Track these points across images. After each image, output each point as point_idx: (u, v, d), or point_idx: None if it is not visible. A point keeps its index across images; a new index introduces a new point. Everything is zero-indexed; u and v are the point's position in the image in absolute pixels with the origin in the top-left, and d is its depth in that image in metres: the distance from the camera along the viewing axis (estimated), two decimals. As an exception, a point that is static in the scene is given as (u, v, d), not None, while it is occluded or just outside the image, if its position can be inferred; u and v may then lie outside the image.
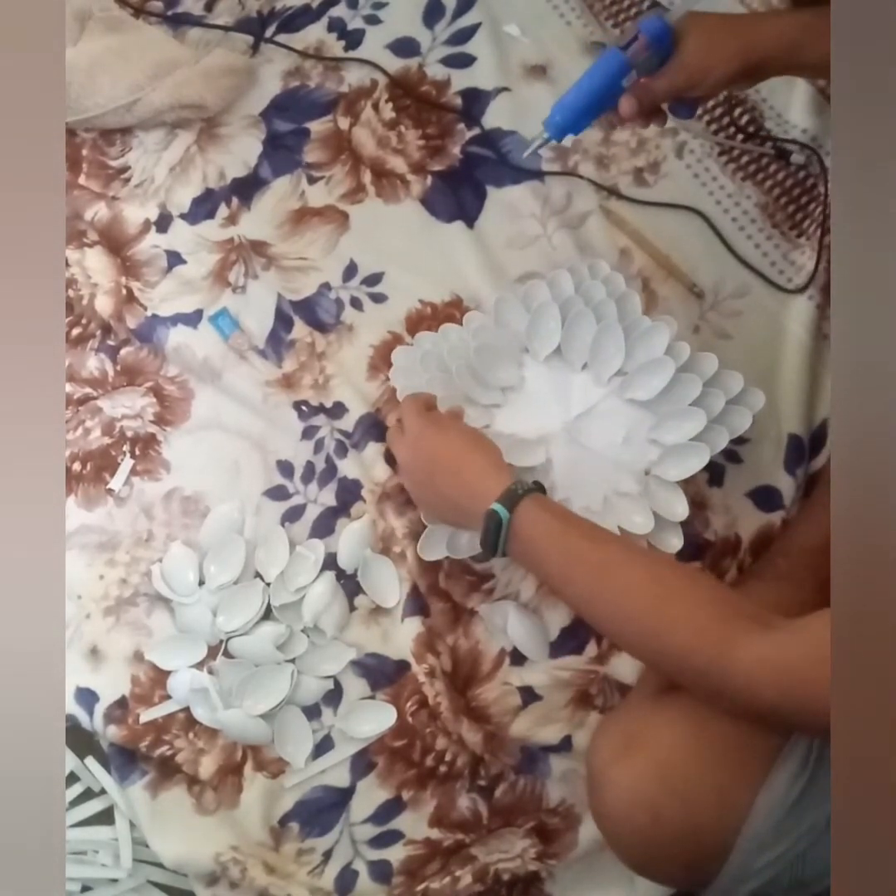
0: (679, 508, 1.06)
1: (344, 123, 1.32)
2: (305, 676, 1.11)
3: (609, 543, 0.91)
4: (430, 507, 1.09)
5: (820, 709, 0.70)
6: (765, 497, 1.16)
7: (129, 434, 1.21)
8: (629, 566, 0.88)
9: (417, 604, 1.13)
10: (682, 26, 0.92)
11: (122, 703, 1.12)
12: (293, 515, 1.17)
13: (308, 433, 1.20)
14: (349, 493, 1.18)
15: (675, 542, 1.07)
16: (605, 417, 1.12)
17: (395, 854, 1.09)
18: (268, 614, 1.13)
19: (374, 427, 1.19)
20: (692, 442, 1.07)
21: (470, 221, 1.27)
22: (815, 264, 1.23)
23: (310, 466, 1.19)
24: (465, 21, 1.36)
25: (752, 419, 1.09)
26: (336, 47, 1.36)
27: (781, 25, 0.95)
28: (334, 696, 1.12)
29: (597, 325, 1.12)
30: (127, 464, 1.20)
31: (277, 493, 1.18)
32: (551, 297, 1.14)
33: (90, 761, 1.13)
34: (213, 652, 1.12)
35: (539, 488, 0.96)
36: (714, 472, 1.16)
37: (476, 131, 1.31)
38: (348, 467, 1.19)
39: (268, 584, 1.13)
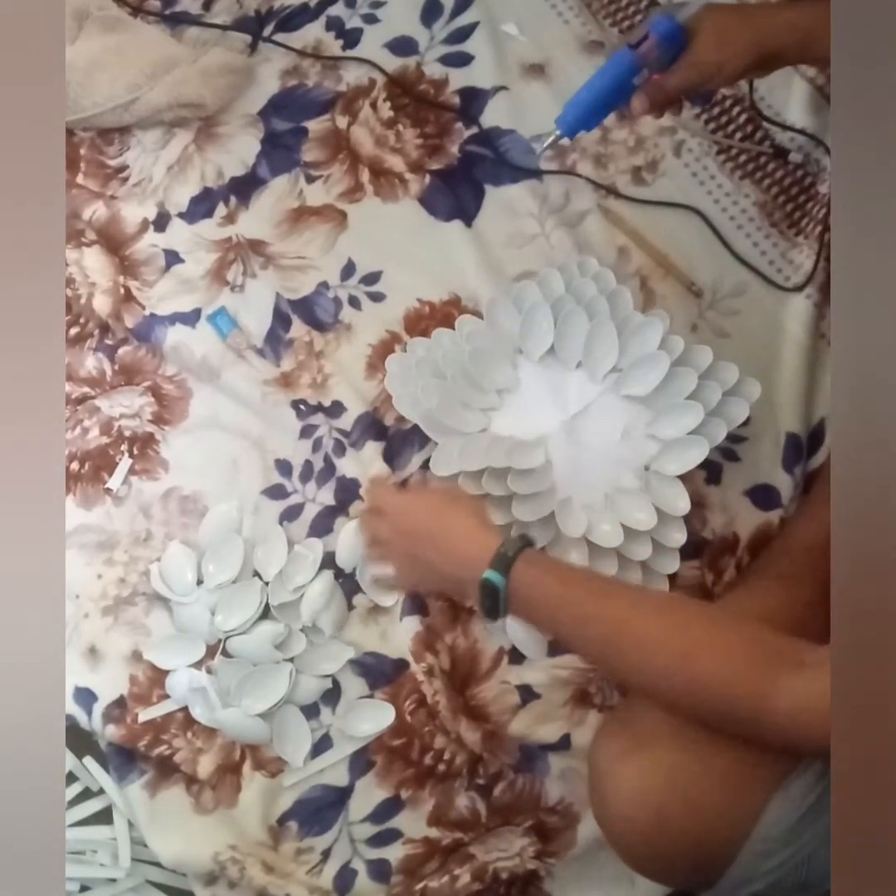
0: (680, 503, 1.06)
1: (342, 122, 1.32)
2: (304, 675, 1.11)
3: (617, 597, 0.88)
4: (423, 581, 1.06)
5: None
6: (763, 496, 1.16)
7: (128, 433, 1.21)
8: (644, 618, 0.85)
9: (416, 603, 1.13)
10: (693, 22, 0.92)
11: (120, 703, 1.12)
12: (291, 514, 1.17)
13: (306, 432, 1.20)
14: (347, 492, 1.18)
15: (678, 537, 1.07)
16: (603, 415, 1.12)
17: (394, 853, 1.09)
18: (266, 613, 1.13)
19: (372, 426, 1.19)
20: (691, 435, 1.07)
21: (468, 220, 1.27)
22: (814, 263, 1.23)
23: (308, 465, 1.19)
24: (464, 20, 1.36)
25: (749, 409, 1.09)
26: (334, 46, 1.36)
27: (795, 16, 0.94)
28: (333, 695, 1.12)
29: (589, 322, 1.12)
30: (125, 463, 1.20)
31: (276, 492, 1.18)
32: (543, 296, 1.14)
33: (89, 761, 1.13)
34: (211, 651, 1.12)
35: (528, 543, 0.93)
36: (712, 471, 1.16)
37: (474, 130, 1.31)
38: (347, 466, 1.19)
39: (266, 584, 1.13)
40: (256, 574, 1.14)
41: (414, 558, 1.00)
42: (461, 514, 0.97)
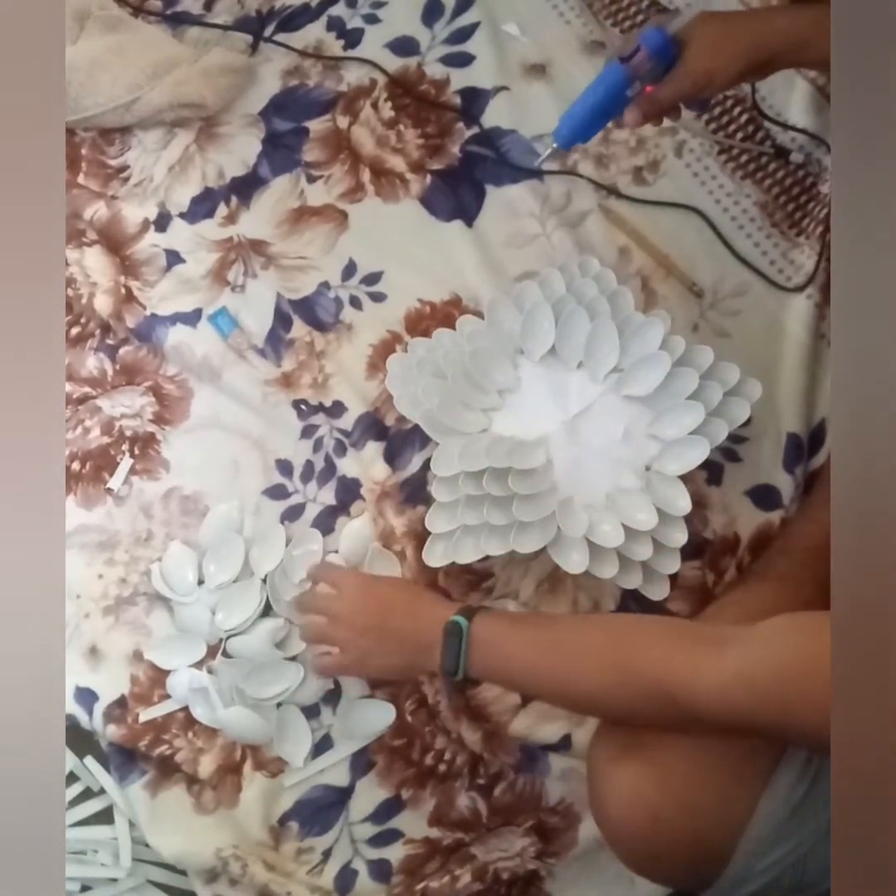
0: (681, 503, 1.06)
1: (343, 122, 1.32)
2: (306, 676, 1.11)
3: (560, 621, 0.95)
4: (382, 654, 1.02)
5: (794, 713, 0.73)
6: (764, 496, 1.16)
7: (129, 433, 1.21)
8: (582, 633, 0.91)
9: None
10: (684, 32, 0.92)
11: (121, 703, 1.12)
12: (292, 514, 1.17)
13: (307, 432, 1.20)
14: (348, 492, 1.18)
15: (680, 537, 1.07)
16: (604, 415, 1.12)
17: (395, 853, 1.09)
18: (267, 612, 1.13)
19: (373, 426, 1.19)
20: (692, 435, 1.07)
21: (469, 220, 1.27)
22: (815, 263, 1.23)
23: (309, 465, 1.19)
24: (465, 20, 1.36)
25: (750, 409, 1.09)
26: (335, 46, 1.36)
27: (789, 22, 0.94)
28: (333, 695, 1.12)
29: (590, 322, 1.12)
30: (126, 463, 1.20)
31: (277, 492, 1.18)
32: (543, 296, 1.14)
33: (89, 761, 1.13)
34: (212, 651, 1.12)
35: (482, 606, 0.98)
36: (713, 471, 1.16)
37: (475, 130, 1.31)
38: (347, 466, 1.19)
39: (264, 581, 1.13)
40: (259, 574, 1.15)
41: (380, 625, 1.00)
42: (421, 588, 1.07)
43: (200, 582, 1.15)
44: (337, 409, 1.21)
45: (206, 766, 1.11)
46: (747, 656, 0.77)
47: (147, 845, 1.10)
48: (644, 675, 0.82)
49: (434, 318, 1.23)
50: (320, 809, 1.10)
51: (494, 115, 1.31)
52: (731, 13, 0.96)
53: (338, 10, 1.38)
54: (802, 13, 0.94)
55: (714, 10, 0.94)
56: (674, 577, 1.09)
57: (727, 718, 0.78)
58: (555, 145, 1.00)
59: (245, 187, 1.30)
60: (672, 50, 0.92)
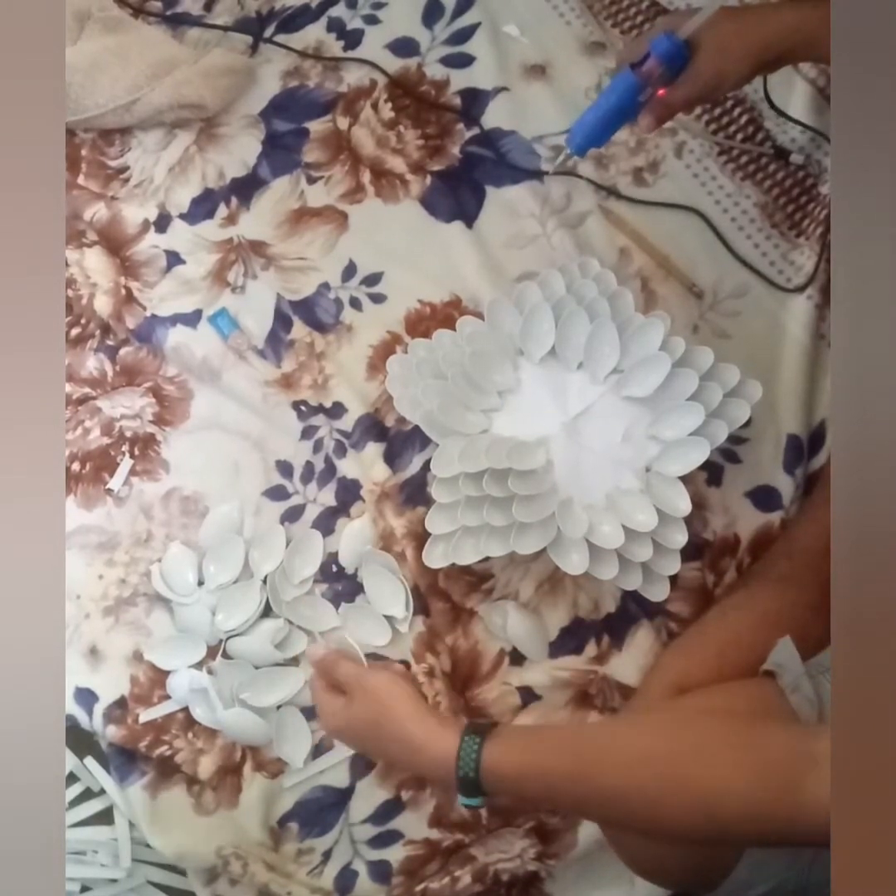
0: (682, 504, 1.06)
1: (343, 123, 1.32)
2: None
3: (594, 761, 0.80)
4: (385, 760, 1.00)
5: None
6: (764, 497, 1.16)
7: (129, 434, 1.21)
8: (626, 768, 0.79)
9: (417, 604, 1.13)
10: (694, 34, 0.92)
11: (121, 703, 1.12)
12: (292, 515, 1.17)
13: (307, 433, 1.20)
14: (348, 493, 1.18)
15: (679, 538, 1.07)
16: (604, 416, 1.12)
17: (395, 854, 1.09)
18: (266, 614, 1.13)
19: (373, 427, 1.19)
20: (691, 436, 1.07)
21: (469, 221, 1.27)
22: (815, 264, 1.23)
23: (309, 466, 1.19)
24: (465, 21, 1.35)
25: (750, 410, 1.09)
26: (335, 47, 1.36)
27: (796, 17, 0.93)
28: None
29: (590, 323, 1.11)
30: (126, 464, 1.20)
31: (277, 493, 1.18)
32: (543, 297, 1.14)
33: (89, 761, 1.13)
34: (212, 652, 1.12)
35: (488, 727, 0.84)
36: (713, 472, 1.16)
37: (475, 131, 1.31)
38: (347, 467, 1.19)
39: (264, 582, 1.13)
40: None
41: (376, 752, 0.97)
42: (423, 702, 0.90)
43: (200, 583, 1.15)
44: (337, 410, 1.21)
45: (206, 766, 1.11)
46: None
47: (147, 846, 1.10)
48: (729, 819, 0.74)
49: (434, 319, 1.23)
50: (320, 810, 1.10)
51: (494, 116, 1.31)
52: (739, 10, 0.95)
53: (338, 11, 1.38)
54: (810, 7, 0.93)
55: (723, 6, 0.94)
56: (674, 579, 1.09)
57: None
58: (568, 152, 1.01)
59: (245, 188, 1.30)
60: (682, 54, 0.92)
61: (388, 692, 0.87)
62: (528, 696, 1.11)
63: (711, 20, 0.91)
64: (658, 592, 1.08)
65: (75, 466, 1.20)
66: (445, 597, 1.13)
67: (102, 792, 1.13)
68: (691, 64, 0.93)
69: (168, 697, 1.12)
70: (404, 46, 1.35)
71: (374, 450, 1.18)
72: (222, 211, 1.29)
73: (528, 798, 0.86)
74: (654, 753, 0.77)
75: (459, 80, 1.33)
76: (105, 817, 1.13)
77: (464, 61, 1.34)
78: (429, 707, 0.86)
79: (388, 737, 0.85)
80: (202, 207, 1.29)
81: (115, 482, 1.19)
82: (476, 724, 0.82)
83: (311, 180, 1.30)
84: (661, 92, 0.94)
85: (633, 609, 1.12)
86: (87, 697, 1.12)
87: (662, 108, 0.95)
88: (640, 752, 0.78)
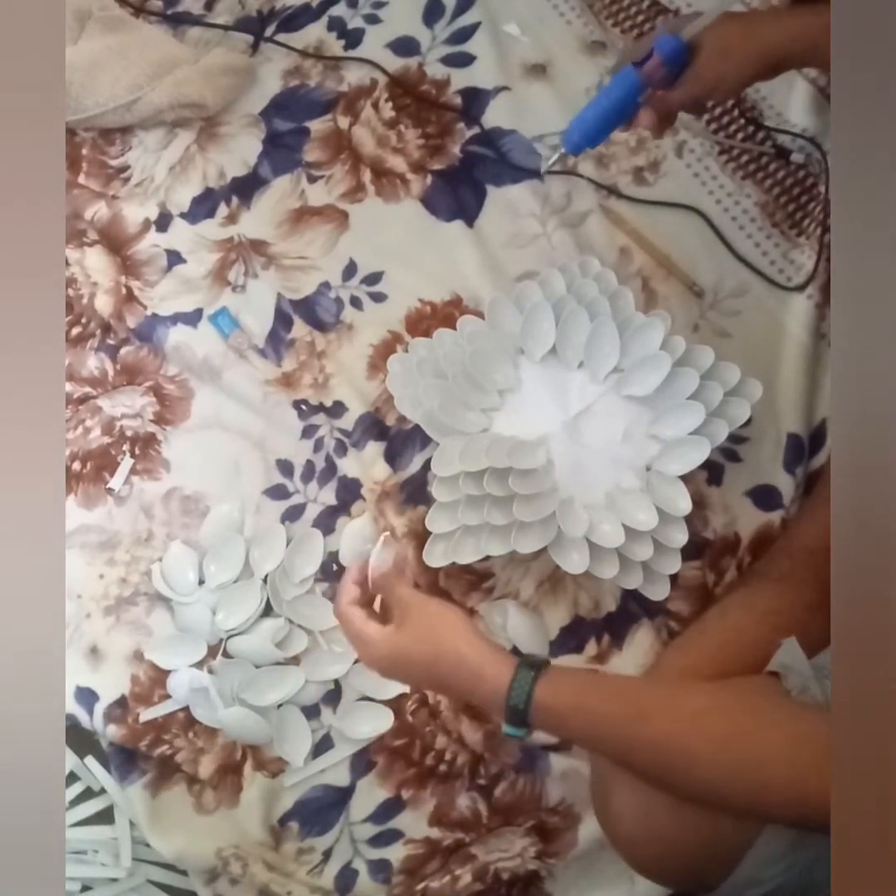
0: (682, 503, 1.06)
1: (344, 122, 1.32)
2: (310, 679, 1.11)
3: (652, 718, 0.80)
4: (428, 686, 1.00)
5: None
6: (764, 496, 1.16)
7: (129, 433, 1.21)
8: (687, 739, 0.79)
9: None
10: (695, 37, 0.92)
11: (121, 703, 1.12)
12: (293, 514, 1.17)
13: (308, 432, 1.20)
14: (349, 492, 1.18)
15: (680, 537, 1.07)
16: (604, 415, 1.12)
17: (395, 853, 1.09)
18: (267, 613, 1.13)
19: (373, 426, 1.19)
20: (692, 436, 1.07)
21: (470, 220, 1.27)
22: (815, 263, 1.23)
23: (309, 465, 1.19)
24: (465, 20, 1.35)
25: (750, 409, 1.09)
26: (336, 46, 1.36)
27: (799, 25, 0.93)
28: (333, 695, 1.12)
29: (591, 323, 1.12)
30: (127, 463, 1.20)
31: (277, 492, 1.18)
32: (544, 297, 1.14)
33: (90, 761, 1.13)
34: (212, 651, 1.12)
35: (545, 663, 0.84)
36: (713, 472, 1.16)
37: (476, 130, 1.31)
38: (348, 466, 1.19)
39: (264, 581, 1.13)
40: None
41: (423, 681, 0.94)
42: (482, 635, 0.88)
43: (201, 582, 1.15)
44: (337, 409, 1.21)
45: (207, 766, 1.11)
46: None
47: (147, 845, 1.10)
48: (782, 793, 0.75)
49: (435, 318, 1.23)
50: (321, 809, 1.10)
51: (495, 116, 1.31)
52: (742, 14, 0.95)
53: (338, 10, 1.38)
54: (812, 12, 0.93)
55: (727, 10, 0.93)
56: (674, 578, 1.09)
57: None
58: (563, 151, 1.00)
59: (246, 187, 1.30)
60: (685, 55, 0.92)
61: (443, 618, 0.87)
62: (529, 695, 1.11)
63: (714, 23, 0.91)
64: (658, 591, 1.08)
65: (76, 466, 1.20)
66: (446, 596, 1.13)
67: (103, 791, 1.13)
68: (692, 65, 0.93)
69: (168, 697, 1.12)
70: (405, 46, 1.35)
71: (374, 449, 1.18)
72: (223, 210, 1.29)
73: (572, 736, 0.87)
74: (704, 713, 0.80)
75: (460, 79, 1.33)
76: (105, 817, 1.13)
77: (464, 61, 1.34)
78: (483, 634, 0.87)
79: (442, 662, 0.85)
80: (203, 207, 1.29)
81: (115, 481, 1.19)
82: (532, 658, 0.83)
83: (312, 179, 1.30)
84: (660, 93, 0.94)
85: (633, 608, 1.12)
86: (87, 697, 1.12)
87: (662, 107, 0.95)
88: (692, 710, 0.80)
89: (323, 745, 1.11)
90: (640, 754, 0.80)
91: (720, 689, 0.88)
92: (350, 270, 1.26)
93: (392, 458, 1.18)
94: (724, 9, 0.90)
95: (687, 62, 0.93)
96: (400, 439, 1.19)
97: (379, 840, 1.10)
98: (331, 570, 1.15)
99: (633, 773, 0.83)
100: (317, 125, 1.32)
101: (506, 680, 0.81)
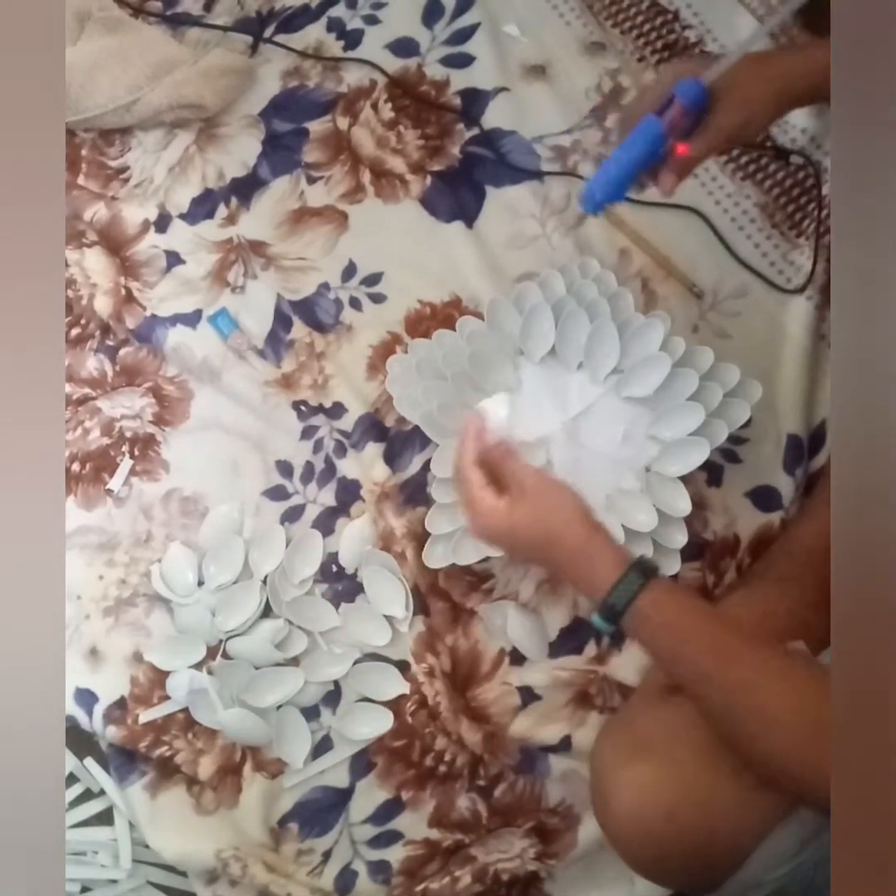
0: (681, 504, 1.06)
1: (343, 123, 1.32)
2: (310, 680, 1.11)
3: (740, 662, 0.81)
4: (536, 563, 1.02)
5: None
6: (764, 497, 1.16)
7: (129, 434, 1.21)
8: (768, 696, 0.79)
9: (417, 604, 1.13)
10: (715, 83, 0.87)
11: (121, 704, 1.12)
12: (292, 515, 1.17)
13: (307, 433, 1.20)
14: (348, 493, 1.18)
15: (679, 538, 1.07)
16: (604, 416, 1.12)
17: (395, 854, 1.09)
18: (266, 614, 1.13)
19: (373, 427, 1.19)
20: (691, 437, 1.07)
21: (469, 221, 1.27)
22: (814, 264, 1.23)
23: (309, 466, 1.19)
24: (465, 21, 1.36)
25: (750, 410, 1.09)
26: (335, 47, 1.36)
27: (816, 63, 0.88)
28: (333, 696, 1.12)
29: (590, 324, 1.12)
30: (126, 464, 1.20)
31: (277, 493, 1.18)
32: (544, 298, 1.14)
33: (89, 762, 1.13)
34: (212, 652, 1.12)
35: (654, 570, 0.85)
36: (713, 473, 1.16)
37: (475, 131, 1.31)
38: (347, 467, 1.19)
39: (264, 582, 1.13)
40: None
41: (532, 555, 0.94)
42: (592, 528, 0.88)
43: (200, 583, 1.15)
44: (337, 410, 1.21)
45: (206, 767, 1.11)
46: None
47: (147, 846, 1.10)
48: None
49: (434, 319, 1.23)
50: (320, 811, 1.10)
51: (494, 116, 1.31)
52: (762, 56, 0.90)
53: (338, 11, 1.38)
54: (827, 46, 0.89)
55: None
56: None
57: None
58: (581, 210, 0.98)
59: (245, 188, 1.30)
60: (706, 100, 0.87)
61: (558, 499, 0.88)
62: (528, 696, 1.11)
63: (734, 65, 0.86)
64: (658, 592, 1.08)
65: (75, 467, 1.20)
66: (445, 597, 1.13)
67: (102, 792, 1.13)
68: (712, 113, 0.88)
69: (168, 698, 1.12)
70: (404, 46, 1.35)
71: (374, 450, 1.18)
72: (222, 211, 1.29)
73: (654, 651, 0.86)
74: (788, 673, 0.80)
75: (459, 80, 1.33)
76: (105, 818, 1.13)
77: (464, 61, 1.34)
78: (596, 520, 0.88)
79: (553, 545, 0.86)
80: (202, 207, 1.29)
81: (115, 482, 1.19)
82: (645, 563, 0.84)
83: (311, 180, 1.30)
84: (680, 147, 0.89)
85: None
86: (87, 698, 1.12)
87: (683, 165, 0.91)
88: (777, 667, 0.80)
89: (322, 747, 1.11)
90: (716, 695, 0.81)
91: (810, 660, 0.88)
92: (349, 271, 1.26)
93: (391, 459, 1.18)
94: (747, 50, 0.86)
95: (706, 108, 0.88)
96: (399, 440, 1.19)
97: (378, 841, 1.10)
98: (330, 572, 1.15)
99: (699, 710, 0.83)
100: (316, 126, 1.32)
101: (612, 577, 0.82)
